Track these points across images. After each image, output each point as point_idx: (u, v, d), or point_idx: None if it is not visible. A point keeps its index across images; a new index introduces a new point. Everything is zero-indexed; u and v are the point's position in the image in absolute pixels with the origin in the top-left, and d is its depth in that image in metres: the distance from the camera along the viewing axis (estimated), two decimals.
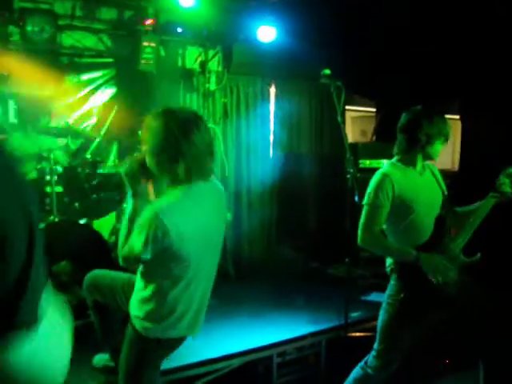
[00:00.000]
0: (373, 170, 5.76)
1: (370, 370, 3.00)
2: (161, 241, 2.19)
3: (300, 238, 6.31)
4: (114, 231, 5.14)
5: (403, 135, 2.98)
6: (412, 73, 6.43)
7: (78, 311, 3.98)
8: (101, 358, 3.24)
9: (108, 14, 5.41)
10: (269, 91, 6.39)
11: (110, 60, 5.55)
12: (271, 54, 5.87)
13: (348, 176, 3.56)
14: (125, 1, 5.41)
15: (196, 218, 2.33)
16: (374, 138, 7.29)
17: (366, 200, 2.93)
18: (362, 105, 8.01)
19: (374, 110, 7.56)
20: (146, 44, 5.20)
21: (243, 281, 5.58)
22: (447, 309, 2.95)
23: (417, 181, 2.98)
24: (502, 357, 2.91)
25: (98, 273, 2.94)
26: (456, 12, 5.31)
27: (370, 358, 3.02)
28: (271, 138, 6.44)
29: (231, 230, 6.05)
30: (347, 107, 7.38)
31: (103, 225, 4.97)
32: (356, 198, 3.46)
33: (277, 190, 6.48)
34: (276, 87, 6.41)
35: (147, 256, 2.24)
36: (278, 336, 3.82)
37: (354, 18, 5.47)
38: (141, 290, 2.44)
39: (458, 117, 7.86)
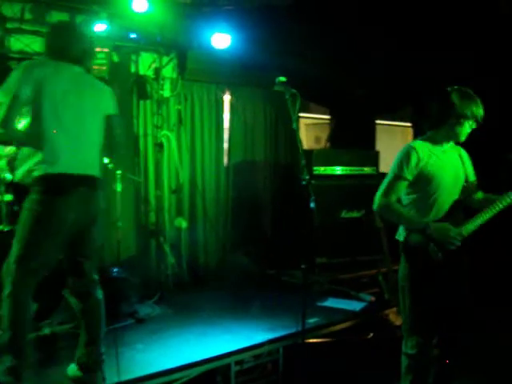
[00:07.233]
0: (327, 177, 5.95)
1: (408, 350, 3.05)
2: None
3: (256, 246, 6.30)
4: None
5: (435, 113, 3.06)
6: (366, 82, 6.56)
7: None
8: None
9: (59, 17, 5.25)
10: (223, 98, 6.38)
11: None
12: (226, 61, 5.86)
13: (303, 183, 3.56)
14: (76, 4, 5.28)
15: None
16: (328, 144, 7.37)
17: (391, 168, 3.05)
18: (316, 112, 8.09)
19: (328, 117, 7.65)
20: (98, 49, 5.12)
21: (199, 289, 5.53)
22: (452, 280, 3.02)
23: (442, 160, 3.04)
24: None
25: None
26: (406, 23, 5.45)
27: (404, 340, 3.10)
28: (226, 145, 6.42)
29: (187, 237, 6.00)
30: (301, 114, 7.45)
31: None
32: (312, 205, 3.47)
33: (232, 197, 6.46)
34: (231, 94, 6.40)
35: None
36: (235, 344, 3.79)
37: (308, 26, 5.54)
38: None
39: (409, 124, 8.05)
